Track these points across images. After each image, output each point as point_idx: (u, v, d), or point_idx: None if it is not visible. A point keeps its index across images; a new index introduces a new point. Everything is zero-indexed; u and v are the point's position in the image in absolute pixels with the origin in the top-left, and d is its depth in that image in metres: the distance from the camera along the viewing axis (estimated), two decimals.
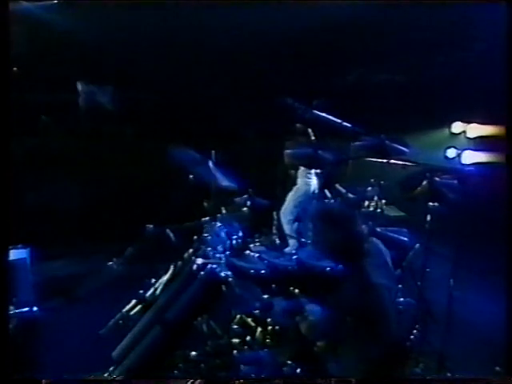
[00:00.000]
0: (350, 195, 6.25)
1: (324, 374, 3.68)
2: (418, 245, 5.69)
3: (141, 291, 5.63)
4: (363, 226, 3.92)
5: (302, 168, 7.14)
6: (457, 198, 5.14)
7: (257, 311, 4.58)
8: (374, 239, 3.88)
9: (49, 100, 9.03)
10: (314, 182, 7.11)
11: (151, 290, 5.62)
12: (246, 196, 6.02)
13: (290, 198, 7.20)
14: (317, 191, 7.10)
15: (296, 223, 7.13)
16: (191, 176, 5.20)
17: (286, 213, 7.13)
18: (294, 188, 7.22)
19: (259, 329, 4.50)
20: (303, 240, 5.93)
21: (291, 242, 6.63)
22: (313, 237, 4.30)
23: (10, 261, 4.69)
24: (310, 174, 7.10)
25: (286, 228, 7.02)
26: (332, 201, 6.28)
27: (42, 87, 8.70)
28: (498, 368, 4.28)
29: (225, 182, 5.25)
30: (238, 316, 4.68)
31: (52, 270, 6.87)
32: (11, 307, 4.57)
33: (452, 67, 8.45)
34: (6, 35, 3.99)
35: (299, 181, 7.19)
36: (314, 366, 3.88)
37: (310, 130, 7.00)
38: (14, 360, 4.08)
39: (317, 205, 6.22)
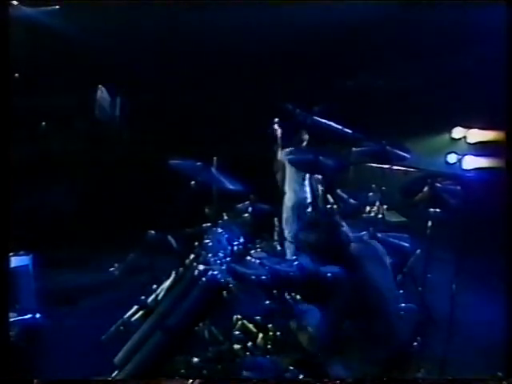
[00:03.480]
0: (352, 201, 6.25)
1: (324, 378, 3.69)
2: (419, 250, 5.71)
3: (142, 297, 5.64)
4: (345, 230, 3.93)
5: (289, 177, 7.12)
6: (458, 204, 5.14)
7: (258, 317, 4.59)
8: (373, 242, 3.89)
9: (50, 105, 9.06)
10: (303, 190, 7.09)
11: (153, 296, 5.62)
12: (247, 202, 6.04)
13: (285, 210, 7.18)
14: (310, 199, 7.08)
15: (294, 230, 7.12)
16: (193, 182, 5.20)
17: (287, 225, 7.12)
18: (285, 198, 7.19)
19: (260, 334, 4.51)
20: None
21: (289, 248, 6.62)
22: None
23: (12, 268, 4.71)
24: (301, 182, 7.08)
25: (289, 237, 7.01)
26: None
27: (44, 93, 8.74)
28: (499, 373, 4.27)
29: (230, 185, 5.25)
30: (240, 322, 4.69)
31: (54, 276, 6.88)
32: (14, 314, 4.58)
33: (452, 72, 8.47)
34: (7, 40, 4.00)
35: (287, 189, 7.17)
36: (315, 372, 3.88)
37: (305, 136, 7.03)
38: (17, 366, 4.09)
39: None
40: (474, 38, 7.63)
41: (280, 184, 7.21)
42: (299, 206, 7.09)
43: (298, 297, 4.74)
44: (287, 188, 7.17)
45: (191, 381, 3.78)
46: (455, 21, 7.46)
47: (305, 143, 7.05)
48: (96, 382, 4.48)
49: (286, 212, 7.16)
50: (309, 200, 7.09)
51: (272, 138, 7.11)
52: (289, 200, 7.15)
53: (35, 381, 3.74)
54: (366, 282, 3.56)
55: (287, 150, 7.00)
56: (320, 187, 6.80)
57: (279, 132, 7.06)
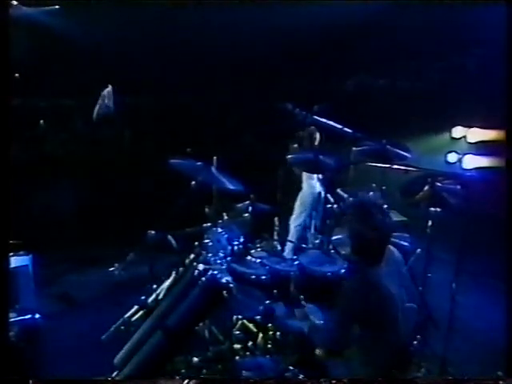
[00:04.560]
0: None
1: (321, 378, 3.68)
2: (419, 250, 5.70)
3: (142, 297, 5.64)
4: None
5: (305, 176, 7.12)
6: (458, 203, 5.13)
7: (258, 317, 4.59)
8: (391, 247, 3.85)
9: (50, 105, 9.06)
10: (318, 186, 7.08)
11: (153, 296, 5.62)
12: (247, 202, 6.03)
13: (297, 204, 7.18)
14: (323, 194, 7.07)
15: (300, 228, 7.11)
16: (193, 182, 5.19)
17: (294, 219, 7.11)
18: (300, 193, 7.20)
19: (261, 334, 4.51)
20: (304, 246, 5.94)
21: (288, 246, 6.62)
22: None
23: (12, 268, 4.71)
24: (313, 177, 7.06)
25: (292, 234, 7.01)
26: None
27: (44, 93, 8.74)
28: (499, 373, 4.27)
29: (231, 186, 5.25)
30: (240, 322, 4.69)
31: (54, 276, 6.89)
32: (14, 314, 4.57)
33: (452, 72, 8.47)
34: (7, 40, 3.99)
35: (304, 185, 7.17)
36: (315, 372, 3.88)
37: (317, 135, 7.00)
38: (17, 366, 4.09)
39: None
40: (474, 38, 7.64)
41: (283, 184, 7.21)
42: (311, 202, 7.08)
43: (299, 296, 4.75)
44: (304, 184, 7.16)
45: (187, 381, 3.77)
46: (455, 21, 7.45)
47: (317, 138, 7.03)
48: (93, 381, 4.47)
49: (298, 206, 7.15)
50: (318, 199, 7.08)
51: (275, 138, 7.11)
52: (302, 196, 7.15)
53: (31, 381, 3.73)
54: (382, 285, 3.53)
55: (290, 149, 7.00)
56: (323, 186, 6.82)
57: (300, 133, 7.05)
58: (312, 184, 7.09)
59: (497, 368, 4.36)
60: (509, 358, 4.09)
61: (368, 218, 3.54)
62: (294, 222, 7.14)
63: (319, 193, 7.04)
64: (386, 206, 3.72)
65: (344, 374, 3.64)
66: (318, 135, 7.03)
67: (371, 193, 6.15)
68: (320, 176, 6.98)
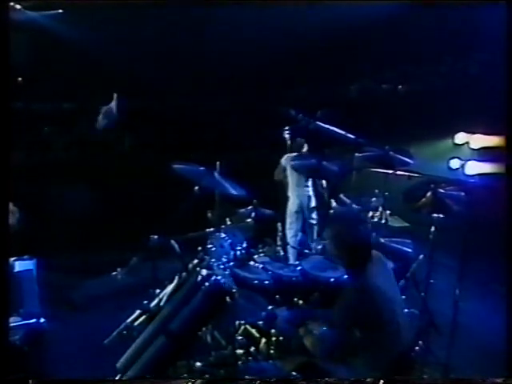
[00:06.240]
0: (355, 206, 6.27)
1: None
2: (421, 255, 5.71)
3: (145, 302, 5.65)
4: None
5: (292, 183, 7.14)
6: (461, 209, 5.13)
7: (261, 322, 4.60)
8: (375, 252, 3.90)
9: (52, 110, 9.09)
10: (309, 195, 7.10)
11: (156, 301, 5.63)
12: (250, 207, 6.04)
13: (287, 214, 7.20)
14: (313, 204, 7.08)
15: (300, 234, 7.12)
16: (196, 187, 5.21)
17: (287, 229, 7.12)
18: (288, 204, 7.21)
19: (263, 340, 4.51)
20: (306, 251, 5.95)
21: (292, 254, 6.64)
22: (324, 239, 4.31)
23: (16, 272, 4.73)
24: (305, 187, 7.08)
25: (291, 242, 7.02)
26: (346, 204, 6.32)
27: (46, 97, 8.77)
28: (498, 380, 4.26)
29: (234, 191, 5.26)
30: (242, 327, 4.69)
31: (58, 280, 6.89)
32: (18, 318, 4.58)
33: (455, 78, 8.48)
34: (9, 44, 4.01)
35: (290, 195, 7.19)
36: (317, 377, 3.88)
37: (305, 146, 7.04)
38: (20, 370, 4.10)
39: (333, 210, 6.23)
40: (476, 42, 7.64)
41: (283, 189, 7.22)
42: (302, 210, 7.11)
43: (301, 301, 4.76)
44: (290, 193, 7.18)
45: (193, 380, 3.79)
46: (456, 24, 7.46)
47: (305, 149, 7.07)
48: (92, 381, 4.47)
49: (290, 217, 7.17)
50: (313, 204, 7.09)
51: (277, 144, 7.13)
52: (292, 205, 7.16)
53: (30, 381, 3.74)
54: (375, 289, 3.56)
55: (290, 155, 7.02)
56: (325, 192, 6.83)
57: (287, 138, 7.06)
58: (300, 194, 7.11)
59: (498, 373, 4.35)
60: (510, 360, 4.09)
61: (347, 226, 3.79)
62: (288, 233, 7.14)
63: (308, 202, 7.07)
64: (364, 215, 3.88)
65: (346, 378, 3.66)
66: (306, 147, 7.07)
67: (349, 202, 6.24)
68: (310, 184, 7.01)
